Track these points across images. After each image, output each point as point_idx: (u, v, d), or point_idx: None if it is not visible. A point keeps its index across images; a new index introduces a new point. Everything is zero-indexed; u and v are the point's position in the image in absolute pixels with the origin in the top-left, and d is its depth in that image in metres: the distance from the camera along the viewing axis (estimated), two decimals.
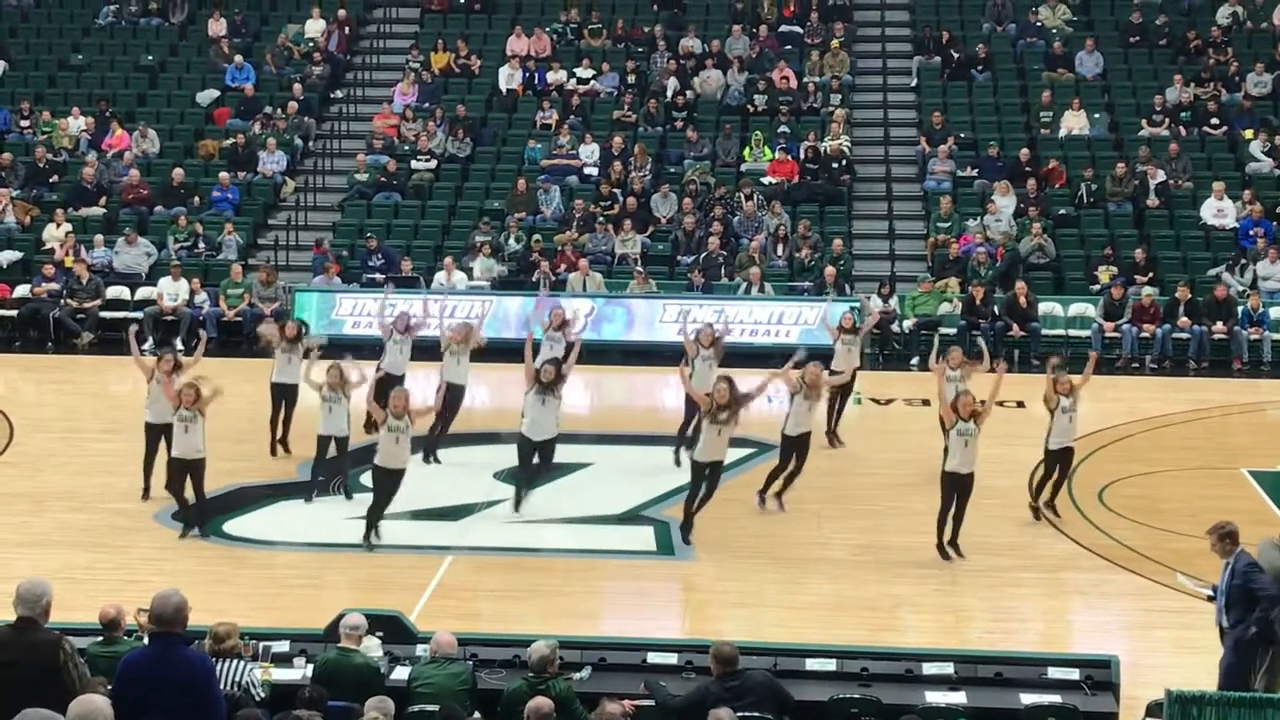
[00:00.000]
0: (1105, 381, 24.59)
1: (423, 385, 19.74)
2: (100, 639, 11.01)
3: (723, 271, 26.76)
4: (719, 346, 19.00)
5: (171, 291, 26.26)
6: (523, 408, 17.21)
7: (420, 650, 11.60)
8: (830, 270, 26.08)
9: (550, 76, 31.61)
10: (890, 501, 17.87)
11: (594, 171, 29.39)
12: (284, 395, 19.21)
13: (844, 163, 29.32)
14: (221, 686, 9.73)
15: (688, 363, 18.60)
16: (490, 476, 18.53)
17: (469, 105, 30.97)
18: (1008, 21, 32.63)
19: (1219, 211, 27.70)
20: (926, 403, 22.14)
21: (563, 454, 18.89)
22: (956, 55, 31.60)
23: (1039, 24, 32.31)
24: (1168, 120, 29.84)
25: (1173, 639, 14.03)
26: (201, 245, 27.79)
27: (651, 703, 10.61)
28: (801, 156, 29.23)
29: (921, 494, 17.96)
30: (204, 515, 16.55)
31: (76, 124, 30.60)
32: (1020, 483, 18.26)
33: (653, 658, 11.79)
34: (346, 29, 33.29)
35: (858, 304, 23.31)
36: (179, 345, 25.80)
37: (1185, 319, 25.39)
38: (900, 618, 14.85)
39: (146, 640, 8.85)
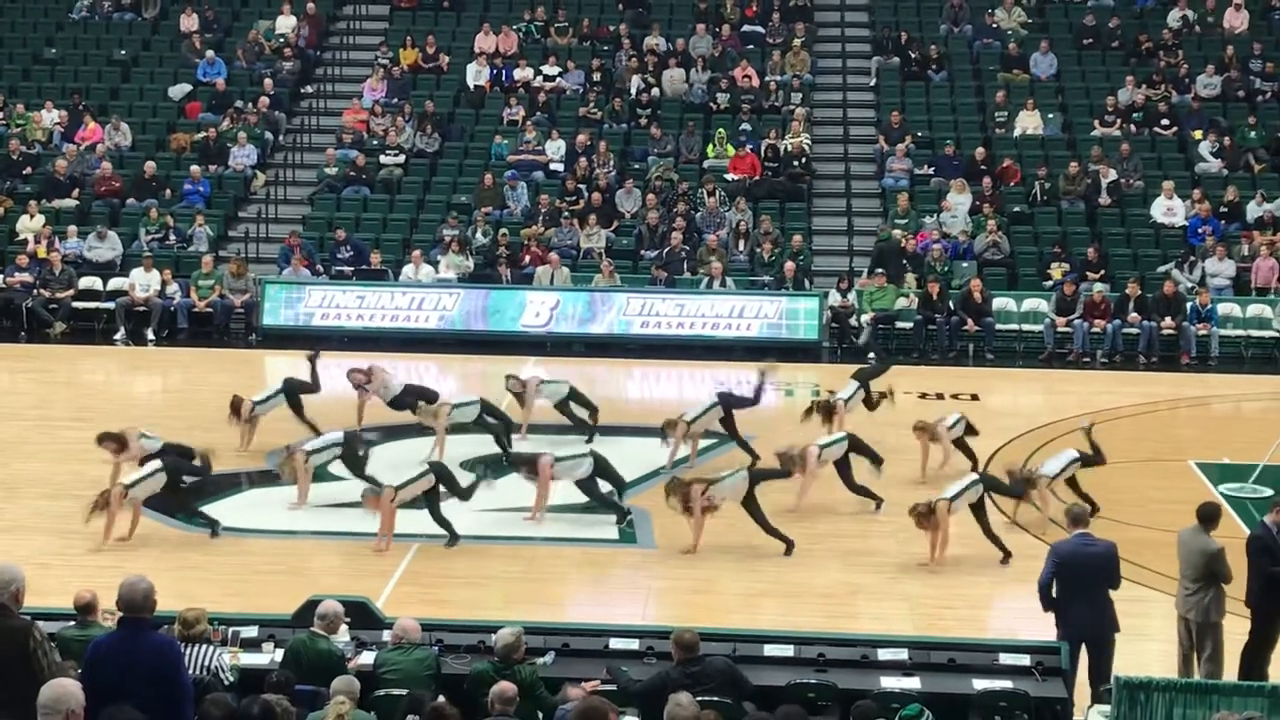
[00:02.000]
0: (1057, 375, 25.10)
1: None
2: (75, 623, 11.11)
3: (685, 266, 27.21)
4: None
5: (143, 282, 26.52)
6: None
7: (387, 636, 11.68)
8: (790, 265, 26.55)
9: (517, 73, 31.93)
10: (844, 491, 17.92)
11: (560, 167, 29.73)
12: None
13: (804, 160, 29.77)
14: (190, 671, 9.87)
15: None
16: (457, 466, 18.60)
17: (437, 101, 31.26)
18: (964, 23, 33.01)
19: (1169, 210, 28.13)
20: (885, 395, 22.49)
21: (527, 445, 19.30)
22: (914, 56, 32.00)
23: (995, 26, 32.68)
24: (1120, 120, 30.28)
25: (1122, 627, 13.87)
26: (173, 237, 28.04)
27: (613, 687, 10.77)
28: (762, 154, 29.69)
29: (877, 483, 18.12)
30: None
31: (50, 117, 30.80)
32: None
33: (615, 643, 11.92)
34: (316, 25, 33.57)
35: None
36: (150, 335, 26.31)
37: (1135, 315, 25.76)
38: (856, 605, 15.08)
39: (115, 625, 8.96)
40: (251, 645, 11.79)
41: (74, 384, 24.19)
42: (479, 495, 17.24)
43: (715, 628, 12.55)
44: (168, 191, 29.15)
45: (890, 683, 11.42)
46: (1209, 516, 12.83)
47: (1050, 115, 30.70)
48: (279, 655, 11.41)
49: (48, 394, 23.09)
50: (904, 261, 27.15)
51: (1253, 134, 29.88)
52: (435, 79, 32.36)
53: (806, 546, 16.39)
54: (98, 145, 30.11)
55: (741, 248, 27.85)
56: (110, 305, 26.65)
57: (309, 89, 32.65)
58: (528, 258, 27.23)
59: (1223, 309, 26.17)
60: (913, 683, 11.44)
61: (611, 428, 20.50)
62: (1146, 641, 13.46)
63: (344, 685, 9.94)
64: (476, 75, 31.98)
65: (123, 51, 33.02)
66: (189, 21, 33.20)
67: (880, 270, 26.70)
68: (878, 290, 26.32)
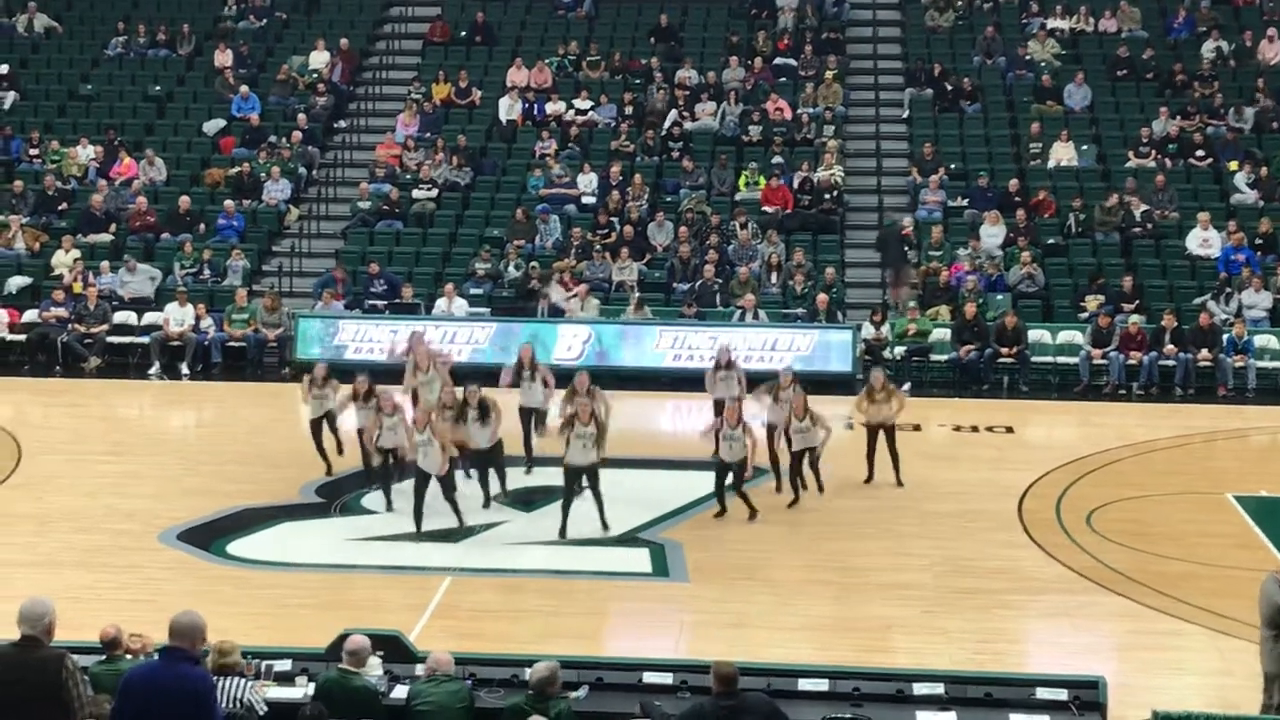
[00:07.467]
0: (1093, 408, 24.98)
1: None
2: (103, 658, 11.12)
3: (717, 299, 27.17)
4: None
5: (178, 317, 26.61)
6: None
7: (419, 670, 11.56)
8: (823, 298, 26.47)
9: (549, 107, 32.06)
10: (879, 525, 18.08)
11: (592, 200, 29.79)
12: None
13: (836, 193, 29.73)
14: (222, 704, 9.80)
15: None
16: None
17: (470, 135, 31.40)
18: (998, 55, 33.01)
19: (1204, 241, 28.00)
20: (917, 428, 22.34)
21: (560, 477, 19.29)
22: (948, 87, 32.02)
23: (1028, 57, 32.67)
24: (1154, 152, 30.19)
25: (1160, 660, 14.17)
26: (207, 271, 28.19)
27: None
28: (795, 187, 29.66)
29: (910, 517, 18.29)
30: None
31: (85, 153, 31.02)
32: (1009, 506, 18.53)
33: (648, 677, 11.81)
34: (349, 61, 33.75)
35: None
36: (184, 369, 26.38)
37: (1171, 346, 25.64)
38: (890, 639, 14.96)
39: (155, 655, 8.95)
40: (284, 679, 11.67)
41: (108, 418, 24.26)
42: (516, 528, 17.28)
43: (749, 661, 12.27)
44: (202, 226, 29.31)
45: (926, 717, 11.31)
46: None
47: (1085, 147, 30.63)
48: (312, 689, 11.28)
49: (82, 428, 23.12)
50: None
51: None
52: (468, 113, 32.50)
53: (841, 580, 16.37)
54: (133, 180, 30.31)
55: (774, 280, 27.81)
56: (145, 340, 26.72)
57: (342, 124, 32.84)
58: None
59: (1259, 340, 26.03)
60: (949, 717, 11.31)
61: (644, 461, 20.52)
62: (1184, 675, 13.34)
63: None
64: (509, 109, 32.10)
65: (157, 87, 33.29)
66: (223, 57, 33.44)
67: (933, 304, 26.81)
68: (910, 321, 26.22)
